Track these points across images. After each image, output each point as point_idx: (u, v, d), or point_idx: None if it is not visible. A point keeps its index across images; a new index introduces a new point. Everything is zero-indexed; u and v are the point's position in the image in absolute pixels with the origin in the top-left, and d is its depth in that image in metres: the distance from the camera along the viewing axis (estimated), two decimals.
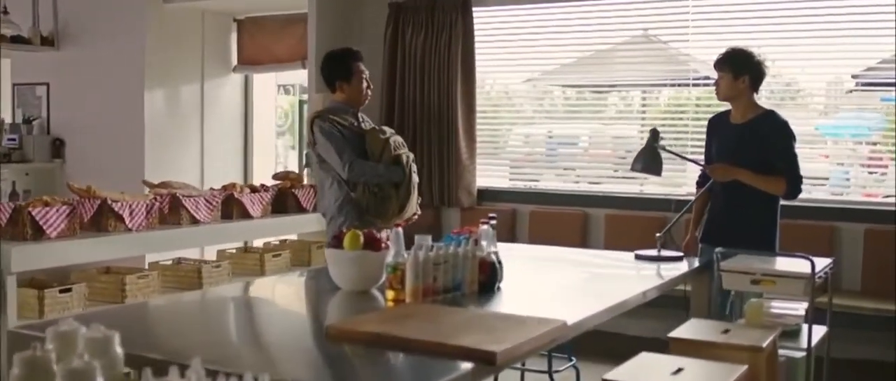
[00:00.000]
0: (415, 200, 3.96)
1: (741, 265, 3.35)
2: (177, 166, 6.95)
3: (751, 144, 3.78)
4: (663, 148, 3.84)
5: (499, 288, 3.01)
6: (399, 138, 3.97)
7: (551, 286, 3.33)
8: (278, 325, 2.72)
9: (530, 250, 4.34)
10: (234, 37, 7.38)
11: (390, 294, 2.73)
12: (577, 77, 6.23)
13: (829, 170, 5.41)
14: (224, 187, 5.22)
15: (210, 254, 5.41)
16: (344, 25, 6.43)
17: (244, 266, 5.21)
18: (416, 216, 4.06)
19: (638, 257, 3.78)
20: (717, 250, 3.43)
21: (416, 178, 3.96)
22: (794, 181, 3.77)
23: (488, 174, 6.30)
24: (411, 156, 3.98)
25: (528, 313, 2.52)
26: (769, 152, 3.77)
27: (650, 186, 5.68)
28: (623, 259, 3.88)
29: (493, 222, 3.01)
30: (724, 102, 3.98)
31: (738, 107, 3.88)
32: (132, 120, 6.78)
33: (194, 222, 4.80)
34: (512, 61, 6.31)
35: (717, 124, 4.01)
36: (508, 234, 5.94)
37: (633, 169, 3.90)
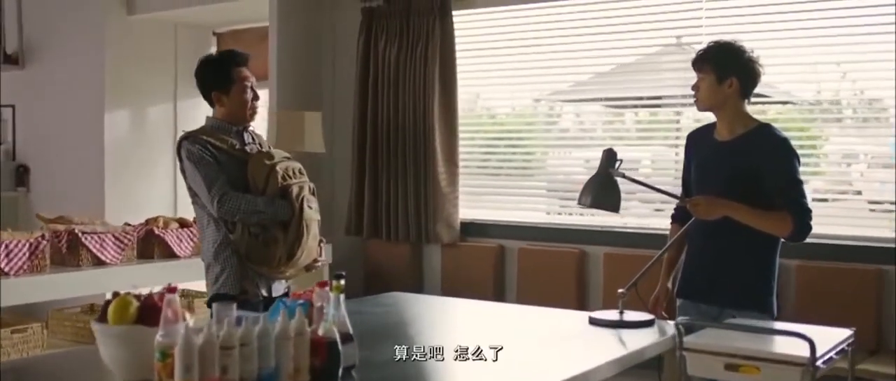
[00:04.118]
0: (313, 243, 3.10)
1: (711, 343, 2.38)
2: (145, 196, 6.34)
3: (740, 167, 2.81)
4: (621, 174, 2.87)
5: (351, 374, 2.15)
6: (295, 165, 3.13)
7: (441, 371, 2.40)
8: None
9: (452, 307, 3.41)
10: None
11: None
12: (598, 90, 5.22)
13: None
14: (147, 222, 4.51)
15: None
16: (312, 35, 5.67)
17: None
18: (319, 264, 3.21)
19: (592, 322, 2.85)
20: (679, 319, 2.45)
21: (314, 214, 3.10)
22: (801, 218, 2.76)
23: (523, 207, 5.26)
24: (310, 187, 3.13)
25: None
26: (765, 179, 2.79)
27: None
28: (574, 324, 2.94)
29: (342, 281, 2.15)
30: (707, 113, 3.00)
31: (724, 119, 2.89)
32: (94, 145, 6.18)
33: (99, 263, 4.10)
34: (517, 72, 5.29)
35: (698, 142, 3.02)
36: (495, 274, 5.06)
37: (580, 204, 2.93)
